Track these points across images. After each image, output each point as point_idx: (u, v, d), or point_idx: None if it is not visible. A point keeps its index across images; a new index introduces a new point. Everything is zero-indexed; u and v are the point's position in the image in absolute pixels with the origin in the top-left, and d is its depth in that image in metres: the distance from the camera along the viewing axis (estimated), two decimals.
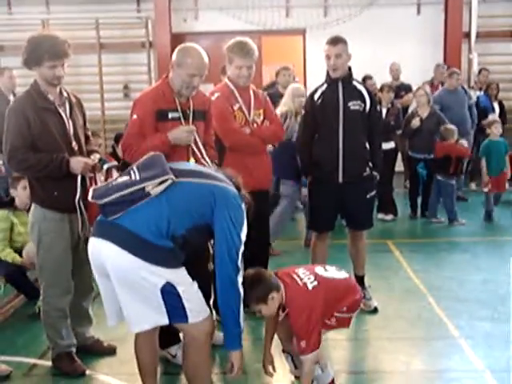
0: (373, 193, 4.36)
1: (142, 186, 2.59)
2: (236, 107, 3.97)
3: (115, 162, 3.62)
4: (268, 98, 4.30)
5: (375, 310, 4.38)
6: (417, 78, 9.03)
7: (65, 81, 3.44)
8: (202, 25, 10.48)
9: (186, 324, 2.66)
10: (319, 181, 4.32)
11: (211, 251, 3.22)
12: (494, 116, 8.84)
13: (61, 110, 3.38)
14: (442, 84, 8.59)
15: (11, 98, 6.43)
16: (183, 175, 2.69)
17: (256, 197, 3.86)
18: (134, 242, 2.55)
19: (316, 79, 7.56)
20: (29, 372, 3.61)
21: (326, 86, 4.26)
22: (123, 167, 3.12)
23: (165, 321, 2.63)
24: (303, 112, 4.40)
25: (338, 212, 4.44)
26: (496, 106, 8.94)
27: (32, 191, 3.48)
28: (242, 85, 3.99)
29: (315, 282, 2.95)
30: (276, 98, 6.50)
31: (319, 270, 3.08)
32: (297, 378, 3.21)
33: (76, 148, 3.41)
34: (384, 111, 6.98)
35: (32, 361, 3.71)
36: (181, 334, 2.84)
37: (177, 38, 9.69)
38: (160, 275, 2.56)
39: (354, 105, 4.17)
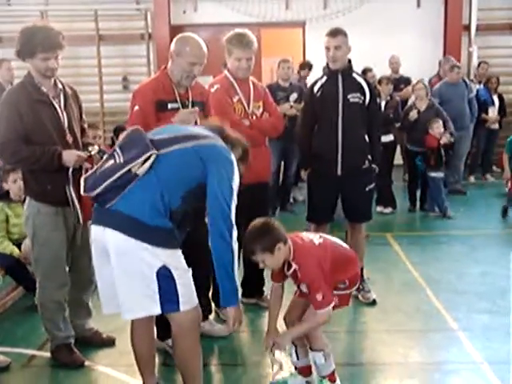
0: (372, 185, 4.36)
1: (128, 168, 2.57)
2: (235, 99, 3.96)
3: None
4: (267, 90, 4.29)
5: (374, 303, 4.39)
6: (416, 70, 9.01)
7: (63, 73, 3.42)
8: (202, 17, 10.44)
9: (174, 313, 2.67)
10: (318, 173, 4.32)
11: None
12: (494, 109, 8.87)
13: (55, 102, 3.32)
14: None
15: None
16: (165, 145, 2.65)
17: (255, 189, 3.90)
18: (131, 225, 2.56)
19: (316, 72, 7.60)
20: (28, 363, 3.62)
21: (325, 78, 4.25)
22: None
23: (157, 309, 2.63)
24: (303, 104, 4.39)
25: (336, 205, 4.44)
26: (496, 99, 8.92)
27: (26, 185, 3.45)
28: (242, 76, 3.98)
29: (321, 240, 2.98)
30: (276, 91, 6.52)
31: (322, 234, 3.13)
32: (297, 368, 3.22)
33: (71, 141, 3.36)
34: (383, 104, 6.97)
35: (31, 352, 3.72)
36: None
37: (176, 30, 9.63)
38: (157, 256, 2.58)
39: (353, 97, 4.16)
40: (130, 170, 2.57)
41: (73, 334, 3.59)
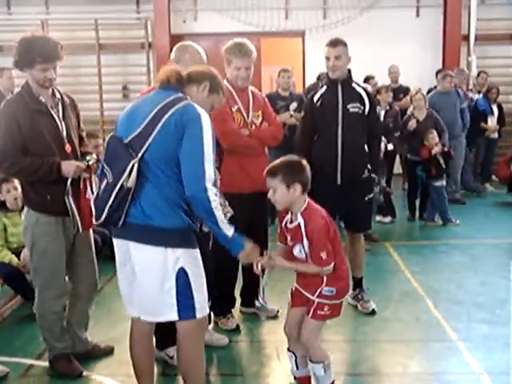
0: (371, 195, 4.36)
1: (119, 185, 2.59)
2: (235, 109, 3.97)
3: None
4: (267, 100, 4.30)
5: (373, 312, 4.38)
6: (415, 80, 9.03)
7: (63, 81, 3.43)
8: (202, 26, 10.49)
9: (189, 320, 2.69)
10: (318, 182, 4.29)
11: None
12: (493, 119, 8.89)
13: (53, 112, 3.31)
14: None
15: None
16: (140, 143, 2.61)
17: (254, 198, 3.90)
18: (148, 233, 2.62)
19: (315, 81, 7.62)
20: (26, 373, 3.60)
21: (325, 88, 4.26)
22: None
23: (174, 316, 2.67)
24: (302, 114, 4.40)
25: (336, 214, 4.43)
26: (495, 108, 8.94)
27: (24, 195, 3.44)
28: (241, 86, 3.99)
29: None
30: (276, 100, 6.53)
31: None
32: (296, 378, 3.21)
33: (69, 150, 3.35)
34: (382, 113, 6.97)
35: (29, 362, 3.70)
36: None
37: (176, 39, 9.64)
38: (177, 258, 2.62)
39: (353, 107, 4.17)
40: (122, 185, 2.59)
41: (71, 343, 3.57)
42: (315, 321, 2.98)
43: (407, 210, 7.41)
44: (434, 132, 6.84)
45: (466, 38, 10.19)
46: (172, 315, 2.68)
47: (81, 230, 3.41)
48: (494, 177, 9.43)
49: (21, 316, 4.42)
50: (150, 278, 2.67)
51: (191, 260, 2.69)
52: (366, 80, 8.51)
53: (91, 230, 3.60)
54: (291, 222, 2.97)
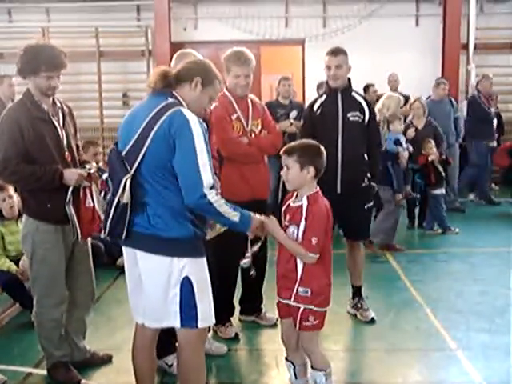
0: (371, 204, 4.36)
1: (116, 200, 2.61)
2: (234, 117, 3.97)
3: None
4: (266, 108, 4.31)
5: (372, 321, 4.36)
6: (415, 88, 9.05)
7: (64, 88, 3.42)
8: (202, 34, 10.52)
9: (191, 329, 2.69)
10: None
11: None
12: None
13: (54, 120, 3.32)
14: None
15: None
16: (136, 153, 2.60)
17: (254, 206, 3.88)
18: (154, 242, 2.63)
19: (315, 90, 7.64)
20: (24, 381, 3.59)
21: (325, 96, 4.27)
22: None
23: (176, 323, 2.68)
24: (302, 122, 4.41)
25: (335, 222, 4.43)
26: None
27: (24, 203, 3.44)
28: (240, 94, 4.00)
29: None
30: (276, 108, 6.55)
31: None
32: None
33: (69, 159, 3.35)
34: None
35: (27, 370, 3.69)
36: (177, 344, 2.83)
37: (176, 47, 9.69)
38: (182, 267, 2.63)
39: (353, 116, 4.19)
40: (119, 200, 2.61)
41: (69, 351, 3.56)
42: (306, 332, 2.96)
43: (406, 218, 7.41)
44: (432, 142, 6.85)
45: (466, 46, 10.23)
46: (175, 322, 2.69)
47: (80, 238, 3.41)
48: (493, 185, 9.45)
49: (19, 324, 4.41)
50: (154, 285, 2.68)
51: (197, 269, 2.69)
52: (366, 88, 8.54)
53: (89, 238, 3.60)
54: (294, 202, 2.98)
